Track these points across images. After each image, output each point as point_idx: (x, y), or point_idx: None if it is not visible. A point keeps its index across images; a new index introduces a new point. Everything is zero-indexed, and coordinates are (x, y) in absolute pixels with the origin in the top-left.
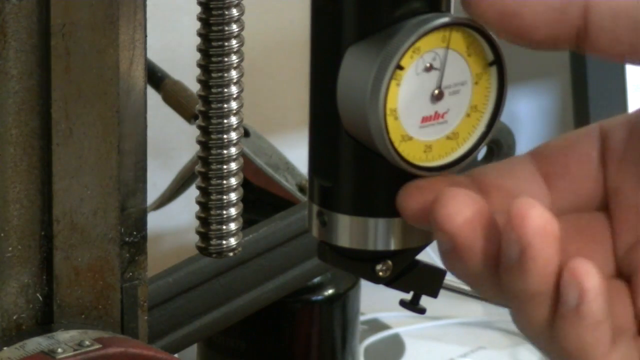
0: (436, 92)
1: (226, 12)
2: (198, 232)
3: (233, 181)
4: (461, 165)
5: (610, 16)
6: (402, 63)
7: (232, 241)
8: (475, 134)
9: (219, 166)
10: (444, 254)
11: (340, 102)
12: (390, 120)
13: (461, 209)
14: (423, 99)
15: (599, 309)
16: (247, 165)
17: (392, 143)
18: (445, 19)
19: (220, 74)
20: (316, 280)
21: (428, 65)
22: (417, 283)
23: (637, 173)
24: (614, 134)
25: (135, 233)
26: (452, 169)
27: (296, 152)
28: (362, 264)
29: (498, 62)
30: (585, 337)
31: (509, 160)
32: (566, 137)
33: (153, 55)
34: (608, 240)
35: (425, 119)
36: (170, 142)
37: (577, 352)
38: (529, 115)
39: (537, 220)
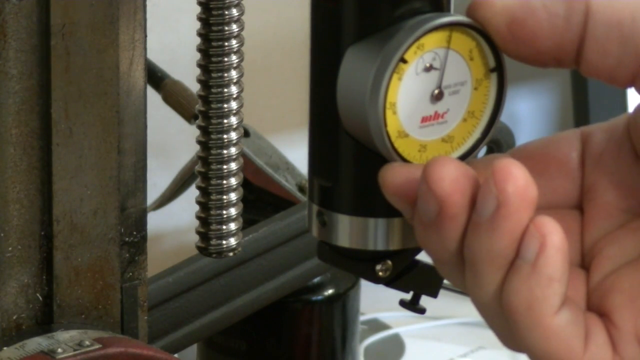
0: (436, 92)
1: (226, 12)
2: (198, 232)
3: (233, 181)
4: None
5: (603, 26)
6: (406, 57)
7: (232, 241)
8: (471, 140)
9: (219, 166)
10: (424, 223)
11: (340, 99)
12: (389, 113)
13: (453, 174)
14: (423, 99)
15: (556, 267)
16: (247, 165)
17: (389, 137)
18: (451, 18)
19: (220, 74)
20: (316, 280)
21: (428, 65)
22: (417, 283)
23: (611, 172)
24: (595, 136)
25: (135, 233)
26: None
27: (296, 152)
28: (362, 264)
29: (499, 69)
30: (535, 292)
31: (489, 156)
32: (548, 138)
33: (153, 55)
34: (577, 234)
35: (425, 119)
36: (170, 142)
37: (524, 307)
38: (529, 115)
39: (520, 181)
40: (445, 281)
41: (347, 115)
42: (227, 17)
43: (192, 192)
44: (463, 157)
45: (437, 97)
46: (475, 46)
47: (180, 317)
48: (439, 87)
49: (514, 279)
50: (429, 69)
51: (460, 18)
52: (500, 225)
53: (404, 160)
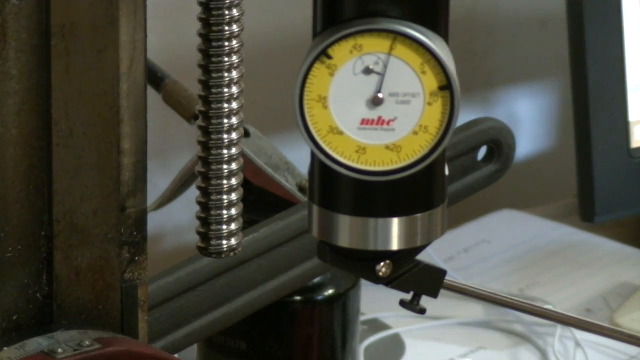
0: (378, 95)
1: (226, 12)
2: (198, 232)
3: (233, 181)
4: (397, 176)
5: None
6: (331, 53)
7: (232, 241)
8: (421, 154)
9: (219, 166)
10: None
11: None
12: (317, 106)
13: None
14: (361, 100)
15: None
16: (247, 165)
17: (317, 130)
18: (388, 25)
19: (220, 74)
20: (316, 280)
21: (369, 67)
22: (417, 283)
23: None
24: None
25: (135, 233)
26: (386, 177)
27: (296, 152)
28: (362, 264)
29: (449, 87)
30: None
31: None
32: None
33: (153, 55)
34: None
35: (365, 121)
36: (170, 142)
37: None
38: (529, 115)
39: None
40: (445, 281)
41: None
42: (227, 17)
43: (192, 192)
44: (408, 168)
45: (375, 102)
46: (429, 60)
47: (180, 317)
48: (379, 91)
49: None
50: (369, 71)
51: (402, 28)
52: None
53: (335, 159)
